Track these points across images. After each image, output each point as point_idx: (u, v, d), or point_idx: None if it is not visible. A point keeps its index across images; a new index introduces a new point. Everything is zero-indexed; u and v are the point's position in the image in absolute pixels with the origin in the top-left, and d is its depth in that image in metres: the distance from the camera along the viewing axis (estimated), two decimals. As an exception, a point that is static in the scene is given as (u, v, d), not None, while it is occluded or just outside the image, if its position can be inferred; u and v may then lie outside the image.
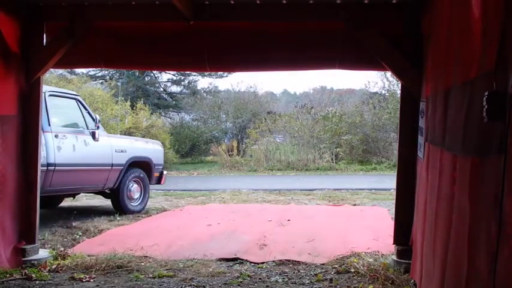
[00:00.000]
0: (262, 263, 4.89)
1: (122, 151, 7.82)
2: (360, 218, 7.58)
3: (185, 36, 5.01)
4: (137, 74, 23.89)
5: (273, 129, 19.85)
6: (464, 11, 2.45)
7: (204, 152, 21.76)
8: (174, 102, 25.37)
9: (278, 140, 20.33)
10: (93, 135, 7.27)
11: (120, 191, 7.82)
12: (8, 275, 4.30)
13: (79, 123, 7.33)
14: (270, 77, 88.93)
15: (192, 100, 23.57)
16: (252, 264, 4.87)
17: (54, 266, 4.63)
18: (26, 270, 4.43)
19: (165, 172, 8.99)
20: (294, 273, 4.55)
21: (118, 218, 7.47)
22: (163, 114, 23.70)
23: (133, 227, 6.96)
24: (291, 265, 4.85)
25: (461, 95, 2.46)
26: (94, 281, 4.30)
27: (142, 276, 4.42)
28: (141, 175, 8.30)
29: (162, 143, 10.75)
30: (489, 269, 1.82)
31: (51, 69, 8.99)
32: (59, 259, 4.90)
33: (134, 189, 8.13)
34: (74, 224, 6.91)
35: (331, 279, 4.32)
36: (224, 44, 5.05)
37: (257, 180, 14.41)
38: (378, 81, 26.31)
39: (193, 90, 25.49)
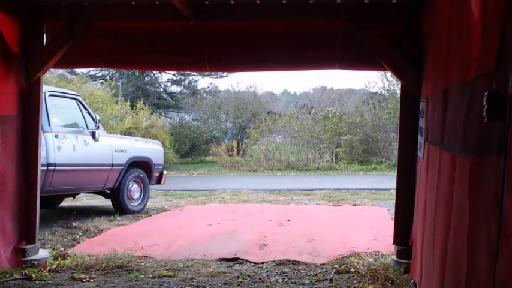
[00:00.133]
0: (262, 263, 4.89)
1: (122, 151, 7.82)
2: (360, 218, 7.58)
3: (185, 36, 5.01)
4: (137, 74, 23.89)
5: (273, 129, 19.86)
6: (464, 11, 2.45)
7: (204, 152, 21.77)
8: (174, 102, 25.37)
9: (278, 140, 20.34)
10: (93, 135, 7.27)
11: (120, 191, 7.82)
12: (8, 275, 4.31)
13: (79, 123, 7.33)
14: (270, 77, 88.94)
15: (192, 100, 23.57)
16: (252, 264, 4.87)
17: (54, 266, 4.63)
18: (26, 270, 4.43)
19: (165, 172, 8.99)
20: (294, 273, 4.55)
21: (118, 218, 7.47)
22: (163, 114, 23.70)
23: (133, 227, 6.96)
24: (291, 265, 4.85)
25: (461, 95, 2.46)
26: (94, 281, 4.30)
27: (142, 276, 4.42)
28: (141, 175, 8.30)
29: (162, 143, 10.75)
30: (489, 269, 1.82)
31: (51, 69, 8.99)
32: (59, 259, 4.90)
33: (134, 189, 8.13)
34: (74, 224, 6.91)
35: (331, 279, 4.32)
36: (224, 44, 5.05)
37: (257, 180, 14.42)
38: (378, 81, 26.38)
39: (193, 90, 25.49)
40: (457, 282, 2.27)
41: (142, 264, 4.82)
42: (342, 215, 7.83)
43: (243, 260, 5.00)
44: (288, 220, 7.29)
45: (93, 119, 7.38)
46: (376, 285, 4.08)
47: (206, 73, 23.75)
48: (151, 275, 4.44)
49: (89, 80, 21.31)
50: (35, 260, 4.73)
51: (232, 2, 4.63)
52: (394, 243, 4.78)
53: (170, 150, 18.36)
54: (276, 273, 4.54)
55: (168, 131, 20.34)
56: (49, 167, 6.40)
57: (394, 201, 5.04)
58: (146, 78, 24.96)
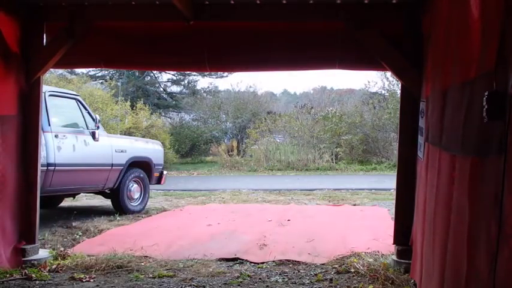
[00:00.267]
0: (262, 263, 4.89)
1: (122, 151, 7.82)
2: (360, 218, 7.58)
3: (185, 36, 5.01)
4: (137, 74, 23.89)
5: (273, 129, 19.86)
6: (463, 11, 2.45)
7: (204, 152, 21.76)
8: (174, 102, 25.37)
9: (278, 140, 20.34)
10: (93, 135, 7.27)
11: (120, 191, 7.82)
12: (8, 275, 4.30)
13: (79, 123, 7.33)
14: (270, 77, 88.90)
15: (192, 100, 23.58)
16: (252, 264, 4.87)
17: (54, 266, 4.63)
18: (26, 270, 4.43)
19: (165, 172, 8.99)
20: (294, 273, 4.55)
21: (118, 218, 7.47)
22: (163, 114, 23.69)
23: (133, 227, 6.96)
24: (291, 265, 4.85)
25: (460, 95, 2.46)
26: (94, 281, 4.30)
27: (142, 276, 4.42)
28: (141, 175, 8.30)
29: (162, 143, 10.74)
30: (489, 269, 1.82)
31: (51, 69, 8.99)
32: (59, 259, 4.90)
33: (134, 189, 8.13)
34: (74, 224, 6.91)
35: (331, 279, 4.32)
36: (224, 44, 5.05)
37: (257, 180, 14.42)
38: (378, 81, 26.41)
39: (193, 90, 25.49)
40: (457, 282, 2.27)
41: (142, 264, 4.82)
42: (342, 215, 7.83)
43: (243, 260, 5.00)
44: (288, 220, 7.29)
45: (93, 119, 7.38)
46: (376, 285, 4.08)
47: (206, 73, 23.74)
48: (151, 275, 4.44)
49: (89, 80, 21.31)
50: (35, 260, 4.73)
51: (232, 2, 4.63)
52: (394, 243, 4.78)
53: (170, 150, 18.36)
54: (276, 273, 4.54)
55: (168, 131, 20.34)
56: (49, 167, 6.40)
57: (394, 201, 5.04)
58: (146, 78, 24.95)
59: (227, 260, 5.02)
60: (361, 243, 5.59)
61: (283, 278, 4.38)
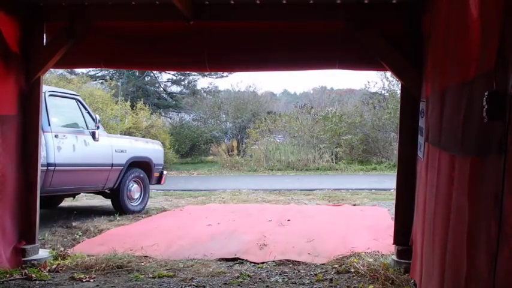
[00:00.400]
0: (262, 263, 4.89)
1: (122, 151, 7.82)
2: (360, 218, 7.58)
3: (185, 36, 5.01)
4: (137, 74, 23.89)
5: (273, 129, 19.85)
6: (463, 11, 2.45)
7: (204, 152, 21.76)
8: (174, 102, 25.37)
9: (278, 140, 20.33)
10: (93, 135, 7.27)
11: (120, 191, 7.82)
12: (8, 275, 4.30)
13: (79, 123, 7.33)
14: (270, 77, 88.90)
15: (192, 100, 23.58)
16: (252, 264, 4.87)
17: (54, 266, 4.63)
18: (26, 270, 4.43)
19: (165, 172, 8.99)
20: (294, 273, 4.55)
21: (118, 218, 7.47)
22: (163, 114, 23.70)
23: (133, 227, 6.96)
24: (291, 265, 4.85)
25: (460, 94, 2.46)
26: (94, 281, 4.30)
27: (142, 276, 4.42)
28: (141, 175, 8.30)
29: (162, 143, 10.74)
30: (489, 269, 1.82)
31: (51, 69, 8.99)
32: (59, 259, 4.90)
33: (134, 189, 8.13)
34: (74, 224, 6.91)
35: (331, 279, 4.32)
36: (224, 44, 5.05)
37: (257, 180, 14.41)
38: (378, 81, 26.42)
39: (193, 90, 25.49)
40: (457, 282, 2.27)
41: (142, 264, 4.82)
42: (342, 215, 7.83)
43: (243, 260, 5.00)
44: (288, 220, 7.29)
45: (93, 119, 7.38)
46: (376, 285, 4.08)
47: (206, 73, 23.74)
48: (151, 275, 4.44)
49: (89, 80, 21.31)
50: (35, 260, 4.73)
51: (232, 2, 4.63)
52: (394, 243, 4.78)
53: (170, 150, 18.36)
54: (276, 273, 4.54)
55: (168, 131, 20.34)
56: (49, 167, 6.40)
57: (394, 201, 5.04)
58: (146, 78, 24.96)
59: (227, 260, 5.02)
60: (361, 243, 5.59)
61: (283, 278, 4.38)
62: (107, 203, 8.41)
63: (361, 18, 4.52)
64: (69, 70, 19.01)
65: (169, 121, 23.61)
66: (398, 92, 8.04)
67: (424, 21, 4.14)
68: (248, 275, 4.44)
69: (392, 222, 4.95)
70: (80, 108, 7.37)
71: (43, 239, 5.90)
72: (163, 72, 24.78)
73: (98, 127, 7.39)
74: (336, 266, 4.73)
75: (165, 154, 12.09)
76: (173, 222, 7.22)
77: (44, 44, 4.92)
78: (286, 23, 4.89)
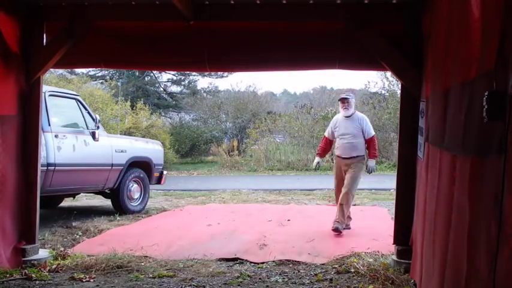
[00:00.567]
0: (262, 263, 4.89)
1: (122, 151, 7.82)
2: (360, 218, 7.57)
3: (185, 36, 5.01)
4: (137, 74, 23.90)
5: (273, 129, 19.84)
6: (464, 11, 2.45)
7: (204, 152, 21.76)
8: (174, 102, 25.38)
9: (278, 140, 20.33)
10: (93, 135, 7.27)
11: (120, 191, 7.82)
12: (8, 275, 4.30)
13: (79, 123, 7.32)
14: (270, 77, 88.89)
15: (192, 100, 23.58)
16: (252, 264, 4.87)
17: (54, 266, 4.63)
18: (26, 270, 4.43)
19: (165, 172, 8.99)
20: (294, 273, 4.55)
21: (118, 218, 7.47)
22: (163, 114, 23.70)
23: (133, 227, 6.96)
24: (291, 265, 4.85)
25: (460, 95, 2.46)
26: (94, 281, 4.30)
27: (142, 276, 4.42)
28: (141, 175, 8.30)
29: (162, 143, 10.74)
30: (489, 269, 1.82)
31: (51, 69, 8.99)
32: (59, 259, 4.90)
33: (134, 189, 8.13)
34: (74, 224, 6.91)
35: (331, 279, 4.32)
36: (224, 44, 5.05)
37: (257, 180, 14.41)
38: (378, 81, 26.38)
39: (193, 90, 25.49)
40: (457, 282, 2.27)
41: (142, 264, 4.82)
42: (342, 215, 7.81)
43: (243, 260, 5.00)
44: (288, 220, 7.29)
45: (93, 119, 7.38)
46: (376, 285, 4.08)
47: (206, 73, 23.74)
48: (151, 275, 4.44)
49: (89, 80, 21.31)
50: (35, 260, 4.73)
51: (232, 2, 4.63)
52: (394, 243, 4.78)
53: (170, 150, 18.36)
54: (276, 273, 4.54)
55: (168, 131, 20.33)
56: (49, 167, 6.40)
57: (394, 201, 5.04)
58: (146, 78, 24.96)
59: (227, 260, 5.02)
60: (361, 243, 5.59)
61: (283, 278, 4.38)
62: (107, 203, 8.41)
63: (361, 18, 4.52)
64: (69, 70, 19.01)
65: (169, 121, 23.61)
66: (398, 92, 8.04)
67: (424, 21, 4.14)
68: (248, 275, 4.44)
69: (392, 222, 4.95)
70: (80, 108, 7.37)
71: (43, 239, 5.90)
72: (163, 72, 24.79)
73: (98, 127, 7.39)
74: (336, 266, 4.73)
75: (165, 154, 12.09)
76: (173, 222, 7.22)
77: (44, 44, 4.92)
78: (286, 23, 4.89)
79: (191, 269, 4.65)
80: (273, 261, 4.95)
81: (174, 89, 26.60)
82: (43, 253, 4.98)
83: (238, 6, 4.68)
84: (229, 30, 4.99)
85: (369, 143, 6.34)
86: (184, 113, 24.32)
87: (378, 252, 5.16)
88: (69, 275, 4.44)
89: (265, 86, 51.54)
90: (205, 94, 25.20)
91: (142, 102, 19.28)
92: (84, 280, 4.29)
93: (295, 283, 4.25)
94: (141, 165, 8.30)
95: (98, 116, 7.51)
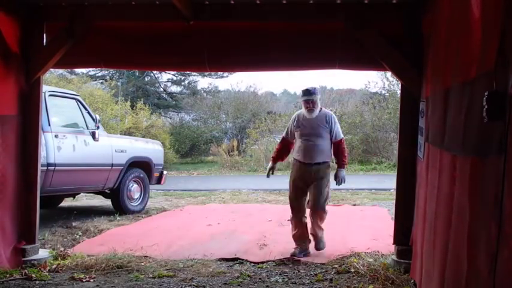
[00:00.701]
0: (262, 263, 4.89)
1: (122, 151, 7.82)
2: (360, 218, 7.58)
3: (185, 36, 5.01)
4: (137, 74, 23.91)
5: (273, 129, 19.83)
6: (464, 11, 2.45)
7: (204, 152, 21.77)
8: (174, 102, 25.39)
9: (278, 140, 20.27)
10: (93, 135, 7.27)
11: (120, 191, 7.82)
12: (8, 275, 4.30)
13: (79, 123, 7.33)
14: (270, 77, 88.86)
15: (192, 100, 23.59)
16: (252, 264, 4.87)
17: (54, 266, 4.63)
18: (26, 270, 4.43)
19: (165, 172, 8.99)
20: (294, 273, 4.55)
21: (118, 218, 7.47)
22: (163, 114, 23.71)
23: (133, 227, 6.96)
24: (291, 265, 4.85)
25: (460, 94, 2.46)
26: (94, 281, 4.30)
27: (142, 276, 4.42)
28: (141, 175, 8.30)
29: (162, 143, 10.74)
30: (489, 269, 1.82)
31: (51, 69, 8.99)
32: (59, 259, 4.90)
33: (134, 189, 8.13)
34: (74, 224, 6.91)
35: (331, 279, 4.32)
36: (224, 44, 5.04)
37: (257, 180, 14.40)
38: (378, 81, 26.40)
39: (193, 90, 25.50)
40: (457, 282, 2.27)
41: (142, 264, 4.82)
42: (342, 215, 7.82)
43: (243, 260, 5.00)
44: (288, 220, 7.26)
45: (93, 119, 7.38)
46: (376, 285, 4.08)
47: (206, 73, 23.75)
48: (151, 275, 4.44)
49: (89, 80, 21.32)
50: (35, 260, 4.73)
51: (232, 1, 4.63)
52: (394, 243, 4.78)
53: (170, 150, 18.37)
54: (276, 273, 4.54)
55: (168, 131, 20.35)
56: (49, 167, 6.40)
57: (394, 201, 5.04)
58: (146, 78, 24.97)
59: (227, 260, 5.02)
60: (361, 243, 5.59)
61: (283, 278, 4.38)
62: (107, 203, 8.41)
63: (361, 18, 4.52)
64: (69, 70, 19.03)
65: (169, 121, 23.63)
66: (398, 92, 8.03)
67: (424, 21, 4.14)
68: (248, 275, 4.44)
69: (392, 222, 4.95)
70: (80, 108, 7.37)
71: (43, 239, 5.90)
72: (163, 72, 24.82)
73: (98, 127, 7.39)
74: (336, 266, 4.73)
75: (165, 154, 12.09)
76: (173, 222, 7.22)
77: (44, 44, 4.92)
78: (286, 23, 4.89)
79: (191, 269, 4.65)
80: (273, 261, 4.95)
81: (174, 89, 26.63)
82: (43, 253, 4.98)
83: (238, 6, 4.68)
84: (229, 30, 4.99)
85: (338, 147, 5.32)
86: (184, 113, 24.34)
87: (378, 252, 5.16)
88: (69, 275, 4.44)
89: (265, 86, 51.51)
90: (205, 94, 25.22)
91: (142, 102, 19.30)
92: (84, 280, 4.29)
93: (295, 283, 4.25)
94: (141, 165, 8.30)
95: (98, 116, 7.51)
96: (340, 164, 5.39)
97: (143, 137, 15.17)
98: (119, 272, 4.56)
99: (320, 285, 4.19)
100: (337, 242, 5.73)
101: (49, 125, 6.53)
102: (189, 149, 21.24)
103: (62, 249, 5.34)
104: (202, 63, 5.16)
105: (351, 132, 18.62)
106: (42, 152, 5.60)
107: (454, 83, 2.68)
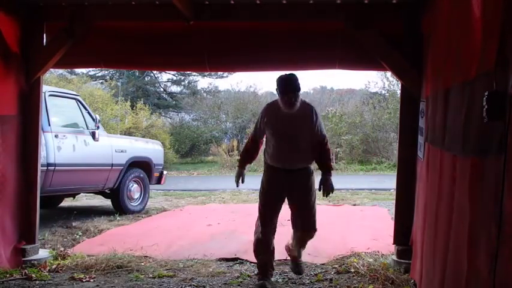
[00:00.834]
0: (262, 263, 4.88)
1: (122, 151, 7.82)
2: (360, 218, 7.58)
3: (185, 37, 5.00)
4: (137, 74, 23.91)
5: (273, 129, 19.81)
6: (464, 11, 2.45)
7: (204, 152, 21.77)
8: (174, 102, 25.38)
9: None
10: (93, 135, 7.27)
11: (120, 191, 7.82)
12: (8, 275, 4.30)
13: (79, 123, 7.33)
14: (270, 77, 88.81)
15: (192, 100, 23.58)
16: (252, 264, 4.87)
17: (54, 266, 4.62)
18: (26, 270, 4.43)
19: (165, 172, 8.99)
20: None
21: (118, 218, 7.47)
22: (163, 114, 23.71)
23: (133, 227, 6.96)
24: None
25: (461, 94, 2.46)
26: (94, 281, 4.30)
27: (142, 276, 4.42)
28: (141, 175, 8.30)
29: (162, 143, 10.74)
30: (489, 269, 1.82)
31: (51, 69, 8.99)
32: (59, 259, 4.90)
33: (134, 189, 8.13)
34: (74, 224, 6.91)
35: (331, 279, 4.32)
36: (224, 44, 5.04)
37: (257, 180, 14.38)
38: (378, 81, 26.39)
39: (193, 90, 25.50)
40: (457, 282, 2.27)
41: (142, 264, 4.82)
42: (342, 215, 7.82)
43: (243, 260, 5.00)
44: (288, 220, 7.23)
45: (93, 119, 7.38)
46: (376, 285, 4.08)
47: (206, 73, 23.76)
48: (151, 275, 4.44)
49: (89, 80, 21.32)
50: (35, 260, 4.72)
51: (232, 2, 4.62)
52: (394, 243, 4.78)
53: (170, 150, 18.36)
54: (276, 273, 4.54)
55: (168, 131, 20.35)
56: (49, 167, 6.40)
57: (394, 201, 5.04)
58: (146, 78, 24.96)
59: (227, 260, 5.02)
60: (361, 243, 5.59)
61: (283, 278, 4.38)
62: (107, 203, 8.41)
63: (361, 18, 4.51)
64: (69, 70, 19.02)
65: (169, 121, 23.63)
66: (398, 92, 8.03)
67: (424, 21, 4.14)
68: (248, 275, 4.44)
69: (392, 222, 4.94)
70: (80, 108, 7.37)
71: (43, 239, 5.90)
72: (163, 72, 24.81)
73: (98, 127, 7.39)
74: (336, 266, 4.73)
75: (165, 154, 12.09)
76: (173, 222, 7.22)
77: (44, 44, 4.92)
78: (286, 23, 4.89)
79: (191, 269, 4.65)
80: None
81: (174, 89, 26.63)
82: (43, 253, 4.98)
83: (238, 6, 4.68)
84: (229, 30, 4.99)
85: (322, 148, 4.12)
86: (184, 113, 24.33)
87: (378, 252, 5.15)
88: (69, 275, 4.43)
89: (265, 86, 51.38)
90: (205, 94, 25.21)
91: (142, 102, 19.30)
92: (84, 280, 4.29)
93: (295, 283, 4.25)
94: (141, 165, 8.30)
95: (98, 116, 7.51)
96: (326, 169, 4.16)
97: (143, 137, 15.17)
98: (119, 272, 4.56)
99: (320, 285, 4.19)
100: (337, 242, 5.73)
101: (49, 125, 6.53)
102: (189, 149, 21.24)
103: (62, 249, 5.34)
104: (202, 63, 5.15)
105: (351, 132, 18.64)
106: (42, 152, 5.60)
107: (454, 83, 2.68)
